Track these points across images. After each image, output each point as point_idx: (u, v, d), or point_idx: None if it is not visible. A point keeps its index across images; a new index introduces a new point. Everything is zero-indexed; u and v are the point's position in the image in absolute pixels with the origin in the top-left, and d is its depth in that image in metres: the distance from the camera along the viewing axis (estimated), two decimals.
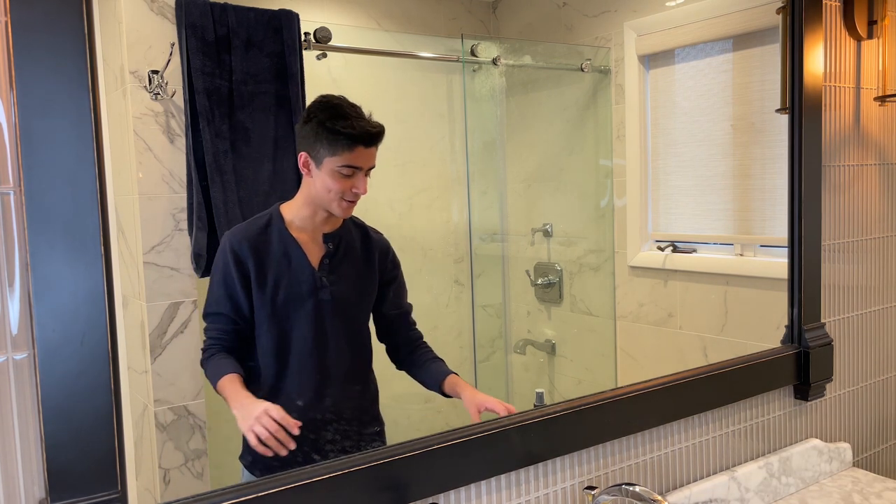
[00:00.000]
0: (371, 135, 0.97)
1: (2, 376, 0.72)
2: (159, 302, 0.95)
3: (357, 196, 0.98)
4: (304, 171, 0.98)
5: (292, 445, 0.90)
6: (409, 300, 1.11)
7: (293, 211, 0.99)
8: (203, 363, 0.98)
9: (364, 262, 1.04)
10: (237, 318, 0.97)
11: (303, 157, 0.97)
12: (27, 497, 0.74)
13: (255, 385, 0.98)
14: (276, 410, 0.89)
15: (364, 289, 1.04)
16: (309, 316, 0.98)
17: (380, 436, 1.07)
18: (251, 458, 0.99)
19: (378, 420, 1.08)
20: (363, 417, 1.05)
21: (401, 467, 0.91)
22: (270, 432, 0.88)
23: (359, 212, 1.06)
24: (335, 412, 1.02)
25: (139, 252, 0.94)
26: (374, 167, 0.99)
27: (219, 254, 0.97)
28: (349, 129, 0.95)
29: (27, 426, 0.73)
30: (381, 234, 1.07)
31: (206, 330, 0.98)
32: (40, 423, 0.72)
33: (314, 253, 1.00)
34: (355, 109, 0.98)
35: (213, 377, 0.96)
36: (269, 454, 0.89)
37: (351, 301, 1.02)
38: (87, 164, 0.72)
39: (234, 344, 0.98)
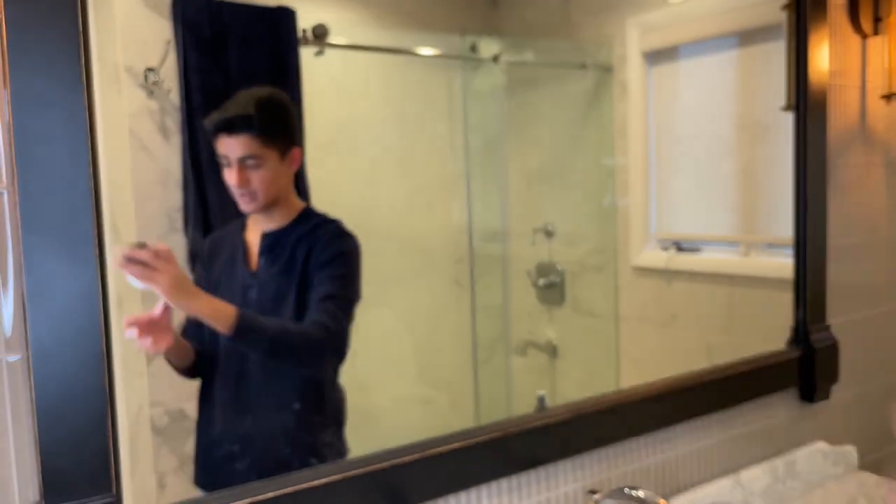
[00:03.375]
0: (224, 121, 0.92)
1: None
2: (155, 303, 0.94)
3: (236, 188, 0.91)
4: None
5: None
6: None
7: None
8: None
9: (301, 257, 0.97)
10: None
11: None
12: (21, 500, 0.73)
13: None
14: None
15: (291, 290, 0.97)
16: None
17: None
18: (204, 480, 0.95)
19: (320, 445, 0.99)
20: (297, 438, 0.97)
21: (400, 472, 0.90)
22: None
23: (359, 211, 1.05)
24: (259, 427, 0.96)
25: None
26: (248, 156, 0.92)
27: None
28: (208, 120, 0.92)
29: (21, 429, 0.73)
30: (334, 224, 1.00)
31: None
32: (34, 425, 0.71)
33: (255, 252, 0.97)
34: (235, 99, 0.93)
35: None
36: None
37: (279, 303, 0.96)
38: (82, 163, 0.71)
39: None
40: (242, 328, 0.89)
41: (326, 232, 0.99)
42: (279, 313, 0.96)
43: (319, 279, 0.96)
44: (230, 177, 0.92)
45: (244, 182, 0.92)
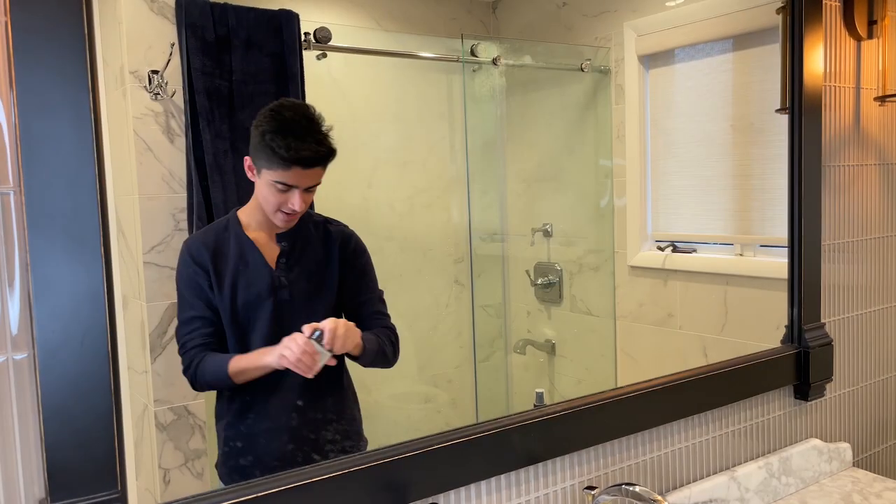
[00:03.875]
0: (308, 159, 0.92)
1: (2, 376, 0.72)
2: (159, 302, 0.95)
3: (294, 211, 0.94)
4: (248, 175, 0.96)
5: (318, 367, 0.91)
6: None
7: (248, 213, 0.98)
8: (194, 373, 0.94)
9: (323, 257, 1.01)
10: (214, 318, 0.95)
11: (247, 161, 0.95)
12: (27, 497, 0.74)
13: (223, 391, 0.97)
14: (298, 335, 0.91)
15: (324, 285, 1.00)
16: (268, 316, 0.95)
17: (350, 449, 1.03)
18: (225, 469, 0.98)
19: (349, 428, 1.04)
20: (333, 426, 1.02)
21: (401, 467, 0.91)
22: (299, 351, 0.90)
23: (360, 212, 1.06)
24: (298, 420, 0.99)
25: (139, 252, 0.95)
26: (318, 184, 0.95)
27: (179, 262, 0.95)
28: (284, 150, 0.91)
29: (27, 426, 0.73)
30: (343, 225, 1.04)
31: (184, 344, 0.94)
32: (40, 423, 0.72)
33: (271, 253, 0.98)
34: (303, 125, 0.93)
35: (219, 370, 0.94)
36: (309, 375, 0.91)
37: (311, 299, 0.99)
38: (87, 164, 0.72)
39: (217, 347, 0.95)
40: (366, 350, 1.00)
41: (348, 237, 1.04)
42: (311, 310, 0.98)
43: (362, 287, 1.04)
44: (290, 202, 0.93)
45: (305, 206, 0.95)
